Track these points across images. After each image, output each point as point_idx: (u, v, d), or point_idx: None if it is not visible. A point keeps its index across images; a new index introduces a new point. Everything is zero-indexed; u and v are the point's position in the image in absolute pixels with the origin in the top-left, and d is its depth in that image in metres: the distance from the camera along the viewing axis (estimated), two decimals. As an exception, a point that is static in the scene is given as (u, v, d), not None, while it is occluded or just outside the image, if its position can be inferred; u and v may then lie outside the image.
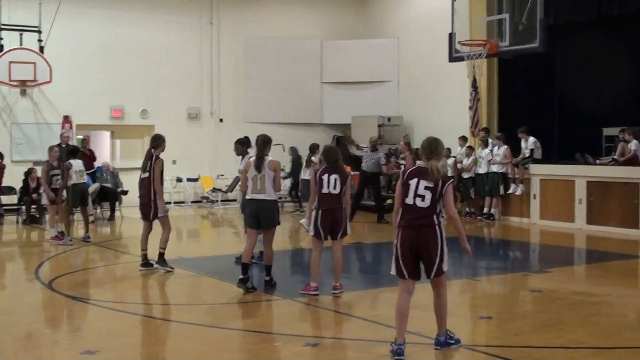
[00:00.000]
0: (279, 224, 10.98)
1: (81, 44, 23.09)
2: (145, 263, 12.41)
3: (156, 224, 12.45)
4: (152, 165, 12.22)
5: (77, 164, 15.67)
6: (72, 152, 16.41)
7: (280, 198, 19.82)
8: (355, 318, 9.28)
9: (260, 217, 10.67)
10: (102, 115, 23.75)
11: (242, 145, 13.06)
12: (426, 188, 7.53)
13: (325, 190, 10.42)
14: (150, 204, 12.26)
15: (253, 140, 11.55)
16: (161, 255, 12.38)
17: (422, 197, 7.53)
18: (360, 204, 20.39)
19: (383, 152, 20.63)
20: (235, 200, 23.41)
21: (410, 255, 7.55)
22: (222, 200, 24.31)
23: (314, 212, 10.55)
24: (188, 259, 13.90)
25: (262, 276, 11.07)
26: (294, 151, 22.88)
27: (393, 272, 7.69)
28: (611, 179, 17.51)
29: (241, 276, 10.54)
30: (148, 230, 12.58)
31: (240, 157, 13.00)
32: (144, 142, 24.86)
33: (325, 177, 10.46)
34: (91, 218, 19.59)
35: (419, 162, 7.99)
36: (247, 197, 10.82)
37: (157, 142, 12.42)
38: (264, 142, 10.94)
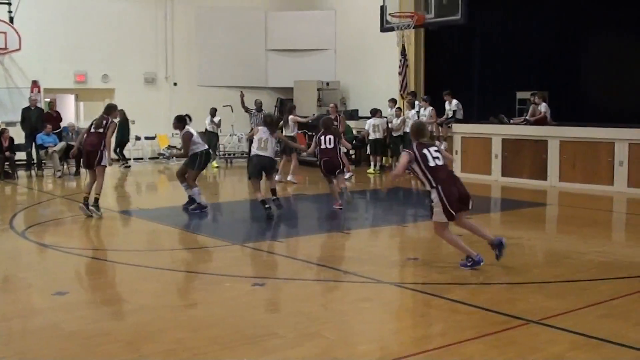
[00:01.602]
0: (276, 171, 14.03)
1: (47, 14, 22.66)
2: (86, 204, 12.73)
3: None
4: (108, 124, 12.98)
5: None
6: None
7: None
8: (297, 260, 9.38)
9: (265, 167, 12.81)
10: (67, 80, 23.39)
11: (179, 122, 13.60)
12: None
13: (323, 146, 13.39)
14: (97, 153, 12.72)
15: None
16: (96, 200, 12.78)
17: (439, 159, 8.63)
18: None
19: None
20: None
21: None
22: (176, 157, 24.14)
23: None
24: (146, 210, 13.87)
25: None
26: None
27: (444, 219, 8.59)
28: (523, 136, 17.81)
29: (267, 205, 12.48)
30: (93, 179, 12.94)
31: (178, 130, 13.60)
32: (105, 104, 24.53)
33: (322, 137, 13.43)
34: (58, 174, 19.46)
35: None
36: (253, 153, 12.97)
37: (111, 110, 13.48)
38: (274, 120, 13.83)
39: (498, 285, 8.04)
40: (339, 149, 13.57)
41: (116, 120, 13.68)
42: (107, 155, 12.95)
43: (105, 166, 13.00)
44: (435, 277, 8.40)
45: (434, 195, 8.47)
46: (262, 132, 12.84)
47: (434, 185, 8.46)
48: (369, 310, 7.14)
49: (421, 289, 7.92)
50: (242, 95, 21.04)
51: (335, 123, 17.32)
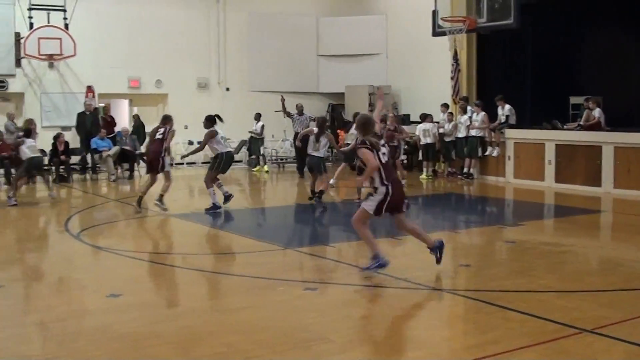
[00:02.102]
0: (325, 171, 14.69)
1: (102, 20, 23.00)
2: (139, 203, 13.74)
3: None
4: (168, 132, 14.06)
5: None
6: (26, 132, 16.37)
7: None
8: (349, 265, 9.35)
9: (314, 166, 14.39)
10: (121, 85, 23.70)
11: (208, 121, 14.63)
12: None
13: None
14: (159, 159, 13.73)
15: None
16: (161, 196, 13.72)
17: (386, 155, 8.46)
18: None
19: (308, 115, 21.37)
20: (240, 161, 23.49)
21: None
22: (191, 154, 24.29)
23: None
24: (199, 213, 13.96)
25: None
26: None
27: (372, 209, 8.40)
28: (577, 142, 17.56)
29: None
30: (152, 182, 14.01)
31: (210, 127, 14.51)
32: (158, 109, 24.83)
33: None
34: (112, 177, 19.71)
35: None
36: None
37: (167, 120, 14.44)
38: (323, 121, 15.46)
39: (551, 293, 7.91)
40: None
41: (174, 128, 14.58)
42: (167, 161, 13.97)
43: (169, 171, 14.02)
44: (487, 284, 8.30)
45: (380, 190, 8.30)
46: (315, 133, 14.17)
47: (385, 183, 8.29)
48: (420, 317, 7.10)
49: (473, 295, 7.83)
50: (282, 100, 21.07)
51: (396, 133, 17.48)
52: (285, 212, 15.20)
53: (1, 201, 15.60)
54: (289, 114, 21.06)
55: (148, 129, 23.95)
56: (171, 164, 14.78)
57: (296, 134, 20.69)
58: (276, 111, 23.52)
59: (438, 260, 8.67)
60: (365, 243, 8.64)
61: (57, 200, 15.80)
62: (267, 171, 22.53)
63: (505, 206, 16.54)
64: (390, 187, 8.27)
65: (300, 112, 20.99)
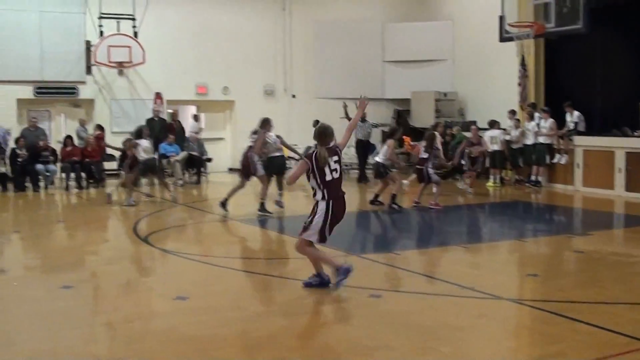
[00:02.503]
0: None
1: (170, 28, 23.38)
2: (224, 205, 14.15)
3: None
4: (258, 136, 14.23)
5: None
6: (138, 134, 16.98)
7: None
8: (414, 273, 9.29)
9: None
10: (189, 92, 24.05)
11: (264, 123, 14.48)
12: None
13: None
14: (249, 164, 14.16)
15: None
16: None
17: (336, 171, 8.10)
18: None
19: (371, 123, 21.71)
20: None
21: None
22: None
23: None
24: (266, 218, 14.03)
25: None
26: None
27: (316, 239, 8.06)
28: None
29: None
30: (240, 186, 14.50)
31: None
32: (225, 115, 25.10)
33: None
34: (180, 182, 19.97)
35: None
36: None
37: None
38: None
39: (621, 305, 7.73)
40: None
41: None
42: (259, 165, 14.24)
43: (263, 174, 14.29)
44: (555, 295, 8.16)
45: (321, 207, 8.00)
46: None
47: (326, 198, 8.01)
48: (486, 327, 7.00)
49: (540, 306, 7.70)
50: (345, 107, 21.08)
51: (477, 146, 17.71)
52: (351, 218, 15.17)
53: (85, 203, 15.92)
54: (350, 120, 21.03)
55: (213, 134, 24.38)
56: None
57: (359, 141, 20.75)
58: (341, 117, 23.58)
59: (337, 283, 8.05)
60: (319, 263, 8.26)
61: (137, 204, 16.03)
62: None
63: (573, 215, 16.25)
64: (331, 205, 8.00)
65: (363, 119, 20.95)
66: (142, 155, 15.95)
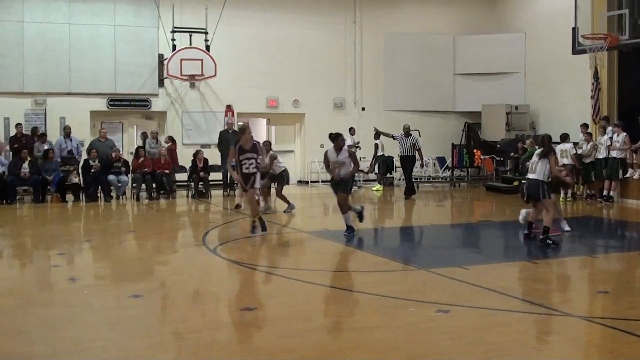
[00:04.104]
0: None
1: (241, 42, 23.71)
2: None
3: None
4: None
5: None
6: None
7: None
8: (483, 289, 9.20)
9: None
10: (259, 105, 24.33)
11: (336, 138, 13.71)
12: None
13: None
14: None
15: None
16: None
17: None
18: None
19: (415, 137, 20.86)
20: (375, 180, 23.53)
21: None
22: (363, 180, 24.48)
23: None
24: (333, 230, 14.07)
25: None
26: None
27: None
28: None
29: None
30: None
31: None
32: (295, 128, 25.29)
33: None
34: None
35: None
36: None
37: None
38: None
39: (697, 324, 7.54)
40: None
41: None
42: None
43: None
44: (626, 313, 7.98)
45: None
46: None
47: None
48: (555, 344, 6.89)
49: (611, 324, 7.53)
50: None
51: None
52: (418, 232, 15.11)
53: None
54: (392, 136, 20.93)
55: (283, 147, 24.52)
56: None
57: (402, 157, 20.54)
58: (412, 130, 23.60)
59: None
60: None
61: (199, 214, 16.25)
62: (376, 190, 22.56)
63: (648, 231, 15.92)
64: None
65: (407, 133, 20.65)
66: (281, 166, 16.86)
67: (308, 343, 6.80)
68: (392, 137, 20.99)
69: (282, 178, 17.29)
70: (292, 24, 24.55)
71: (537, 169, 12.07)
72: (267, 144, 17.71)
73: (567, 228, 13.37)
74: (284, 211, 16.50)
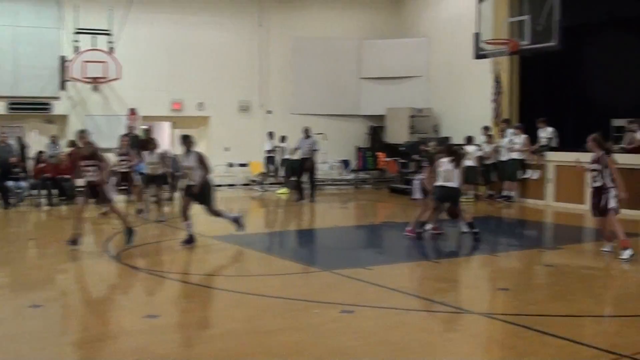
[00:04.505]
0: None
1: (146, 44, 23.34)
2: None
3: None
4: None
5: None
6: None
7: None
8: (386, 289, 9.30)
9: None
10: (163, 108, 24.00)
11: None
12: None
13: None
14: None
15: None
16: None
17: None
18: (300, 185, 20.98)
19: (314, 139, 20.76)
20: (280, 183, 23.50)
21: None
22: (268, 184, 24.48)
23: None
24: (238, 235, 14.00)
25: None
26: None
27: None
28: (619, 165, 17.22)
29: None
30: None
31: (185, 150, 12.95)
32: (200, 131, 25.06)
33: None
34: (153, 199, 19.85)
35: None
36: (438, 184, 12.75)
37: None
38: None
39: (590, 318, 7.81)
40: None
41: None
42: None
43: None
44: (526, 309, 8.21)
45: None
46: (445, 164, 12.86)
47: None
48: (458, 341, 7.03)
49: (511, 320, 7.74)
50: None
51: None
52: (323, 234, 15.18)
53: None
54: (295, 149, 21.07)
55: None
56: None
57: (301, 159, 20.66)
58: (317, 134, 23.72)
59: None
60: None
61: (99, 221, 15.97)
62: (282, 193, 22.55)
63: (544, 229, 16.39)
64: None
65: (307, 135, 20.67)
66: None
67: (213, 349, 6.75)
68: (295, 149, 21.05)
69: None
70: (198, 26, 24.31)
71: (454, 178, 12.68)
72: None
73: (465, 229, 13.61)
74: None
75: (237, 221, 13.14)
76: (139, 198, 17.40)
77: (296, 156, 21.14)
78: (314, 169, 20.70)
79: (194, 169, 12.46)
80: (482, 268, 11.31)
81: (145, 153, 16.48)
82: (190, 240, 12.44)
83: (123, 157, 16.97)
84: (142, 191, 17.04)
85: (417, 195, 13.72)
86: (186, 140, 12.88)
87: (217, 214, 12.88)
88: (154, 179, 16.49)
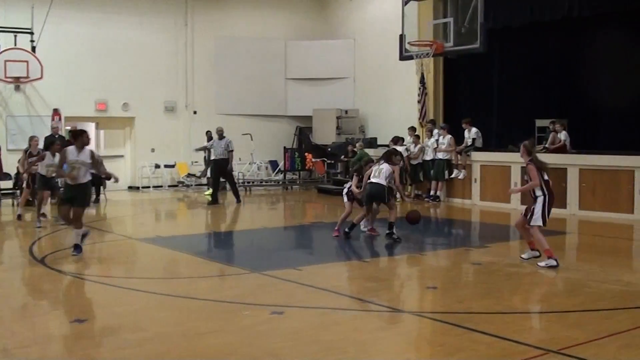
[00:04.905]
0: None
1: (69, 43, 22.88)
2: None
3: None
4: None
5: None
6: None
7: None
8: (316, 289, 9.31)
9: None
10: (88, 108, 23.55)
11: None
12: None
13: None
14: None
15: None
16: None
17: None
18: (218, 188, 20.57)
19: (228, 139, 20.27)
20: (207, 184, 23.34)
21: None
22: (195, 185, 24.29)
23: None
24: (166, 237, 13.87)
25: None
26: None
27: None
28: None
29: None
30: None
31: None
32: (125, 132, 24.72)
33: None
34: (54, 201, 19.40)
35: None
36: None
37: None
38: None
39: (517, 315, 7.95)
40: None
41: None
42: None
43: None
44: (455, 306, 8.32)
45: None
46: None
47: None
48: (388, 340, 7.07)
49: (440, 318, 7.83)
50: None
51: None
52: (253, 236, 15.12)
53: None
54: (205, 148, 20.86)
55: (112, 151, 23.92)
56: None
57: (214, 160, 20.27)
58: (243, 134, 23.69)
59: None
60: None
61: (23, 224, 15.62)
62: (209, 194, 22.24)
63: (471, 228, 16.66)
64: None
65: (221, 135, 20.24)
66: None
67: (142, 353, 6.66)
68: (205, 148, 20.79)
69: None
70: (122, 25, 23.92)
71: (382, 175, 12.81)
72: None
73: (362, 229, 13.82)
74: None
75: (84, 238, 11.98)
76: (24, 202, 17.06)
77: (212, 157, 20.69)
78: (230, 170, 20.38)
79: (85, 166, 11.55)
80: (411, 267, 11.42)
81: (48, 153, 15.61)
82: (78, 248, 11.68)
83: (33, 158, 16.34)
84: (37, 194, 16.22)
85: (345, 199, 13.78)
86: (83, 135, 11.67)
87: (78, 220, 11.62)
88: (48, 181, 15.63)
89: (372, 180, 12.87)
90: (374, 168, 13.03)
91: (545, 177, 10.77)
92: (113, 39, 23.67)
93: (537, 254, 10.83)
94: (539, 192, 10.65)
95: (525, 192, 11.30)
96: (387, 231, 12.99)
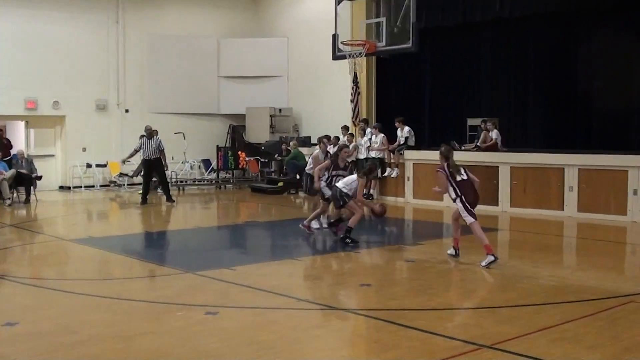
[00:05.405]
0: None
1: (-3, 40, 22.40)
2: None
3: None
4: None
5: None
6: None
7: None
8: (250, 288, 9.29)
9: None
10: (17, 107, 23.06)
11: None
12: None
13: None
14: None
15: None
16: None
17: None
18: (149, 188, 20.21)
19: (158, 139, 19.89)
20: (140, 184, 23.07)
21: None
22: (128, 184, 24.00)
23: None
24: (98, 238, 13.67)
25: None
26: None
27: None
28: (474, 162, 17.83)
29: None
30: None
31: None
32: (56, 131, 24.29)
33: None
34: (8, 202, 19.11)
35: None
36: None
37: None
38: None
39: (450, 311, 8.06)
40: None
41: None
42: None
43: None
44: (388, 303, 8.39)
45: None
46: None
47: None
48: (323, 338, 7.10)
49: (375, 315, 7.89)
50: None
51: None
52: (185, 235, 15.01)
53: None
54: (135, 150, 20.19)
55: (43, 151, 23.51)
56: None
57: (145, 160, 19.94)
58: (176, 133, 23.51)
59: None
60: None
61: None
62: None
63: (405, 226, 16.81)
64: None
65: (150, 135, 19.77)
66: None
67: (75, 356, 6.56)
68: (135, 151, 20.24)
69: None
70: (51, 21, 23.47)
71: (347, 185, 13.03)
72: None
73: (316, 226, 13.92)
74: None
75: None
76: None
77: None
78: (162, 169, 20.12)
79: None
80: (345, 265, 11.47)
81: None
82: None
83: None
84: None
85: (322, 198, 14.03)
86: None
87: None
88: None
89: (338, 185, 13.03)
90: (348, 177, 13.34)
91: (458, 178, 10.96)
92: (42, 36, 23.22)
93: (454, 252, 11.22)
94: (453, 195, 10.90)
95: None
96: (341, 235, 12.95)
